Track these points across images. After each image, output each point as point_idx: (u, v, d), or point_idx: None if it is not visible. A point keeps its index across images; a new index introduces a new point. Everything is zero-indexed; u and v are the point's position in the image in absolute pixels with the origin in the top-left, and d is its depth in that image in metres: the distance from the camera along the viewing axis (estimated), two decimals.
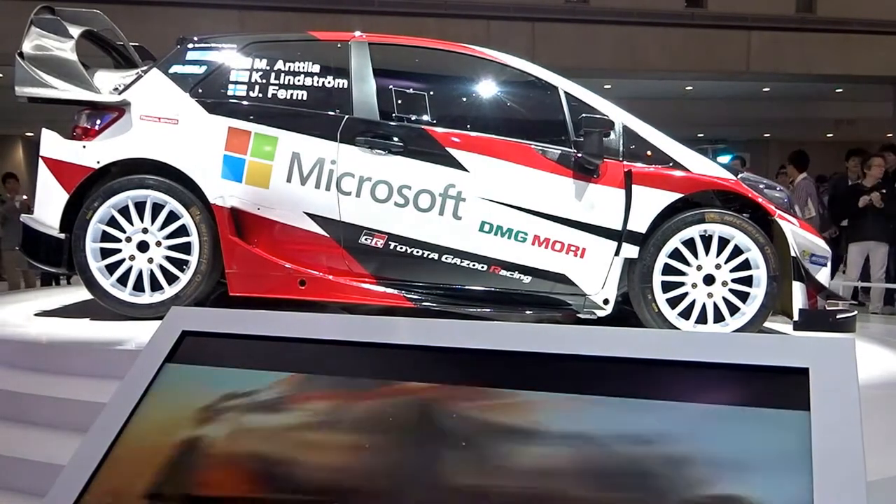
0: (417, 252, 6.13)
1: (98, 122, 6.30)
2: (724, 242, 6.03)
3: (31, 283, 14.55)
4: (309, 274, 6.17)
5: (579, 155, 6.09)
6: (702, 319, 6.06)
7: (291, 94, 6.33)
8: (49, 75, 6.23)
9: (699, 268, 6.05)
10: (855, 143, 13.65)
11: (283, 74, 6.38)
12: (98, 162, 6.23)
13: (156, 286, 6.20)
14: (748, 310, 6.05)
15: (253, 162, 6.18)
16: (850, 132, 25.49)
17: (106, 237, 6.19)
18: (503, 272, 6.14)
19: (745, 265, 6.04)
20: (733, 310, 6.07)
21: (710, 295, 6.06)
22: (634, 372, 1.61)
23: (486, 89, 6.59)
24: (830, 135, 28.10)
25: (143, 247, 6.18)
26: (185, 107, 6.30)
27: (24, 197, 15.18)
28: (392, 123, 6.25)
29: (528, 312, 6.23)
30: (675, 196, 6.07)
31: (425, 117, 6.33)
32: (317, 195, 6.13)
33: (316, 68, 6.39)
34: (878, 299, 12.55)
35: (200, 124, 6.25)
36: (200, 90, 6.36)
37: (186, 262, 6.17)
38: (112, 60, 7.44)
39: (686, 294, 6.08)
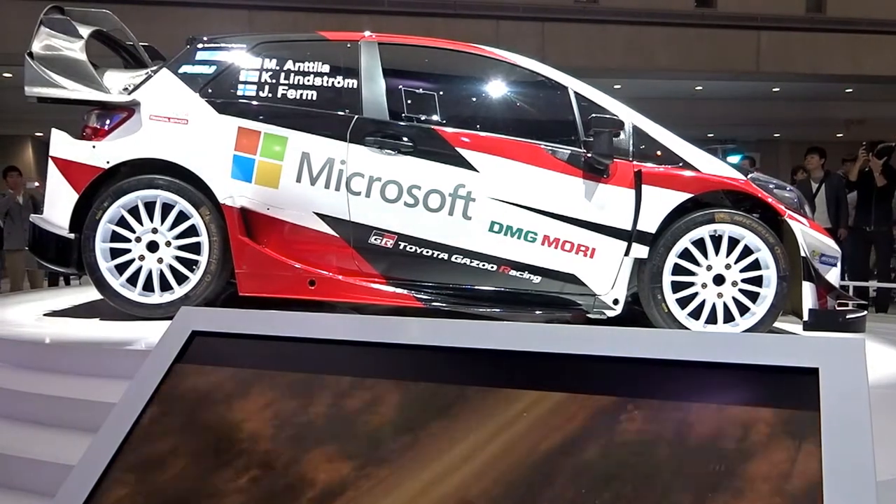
0: (427, 252, 6.13)
1: (108, 122, 6.31)
2: (733, 242, 6.02)
3: (38, 284, 14.40)
4: (318, 274, 6.17)
5: (589, 155, 6.08)
6: (712, 319, 6.06)
7: (301, 94, 6.34)
8: (59, 75, 6.24)
9: (709, 268, 6.05)
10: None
11: (292, 74, 6.38)
12: (108, 162, 6.24)
13: (165, 286, 6.21)
14: (758, 310, 6.04)
15: (263, 162, 6.19)
16: (861, 132, 25.40)
17: (116, 237, 6.20)
18: (513, 272, 6.14)
19: (755, 265, 6.03)
20: (743, 310, 6.06)
21: (719, 295, 6.05)
22: (644, 372, 1.61)
23: (496, 89, 6.59)
24: (841, 135, 28.05)
25: (152, 247, 6.19)
26: (195, 107, 6.31)
27: (37, 184, 14.68)
28: (402, 123, 6.25)
29: (537, 312, 6.23)
30: (685, 196, 6.06)
31: (435, 117, 6.33)
32: (326, 195, 6.14)
33: (325, 68, 6.39)
34: None
35: (210, 124, 6.26)
36: (210, 90, 6.37)
37: (196, 263, 6.18)
38: (121, 60, 7.46)
39: (696, 294, 6.07)
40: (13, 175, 14.46)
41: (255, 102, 6.34)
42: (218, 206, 6.16)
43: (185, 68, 6.49)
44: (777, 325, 6.39)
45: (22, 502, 4.20)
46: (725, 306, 6.06)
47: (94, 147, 6.27)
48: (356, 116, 6.24)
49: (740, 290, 6.06)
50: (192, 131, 6.26)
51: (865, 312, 6.39)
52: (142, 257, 6.18)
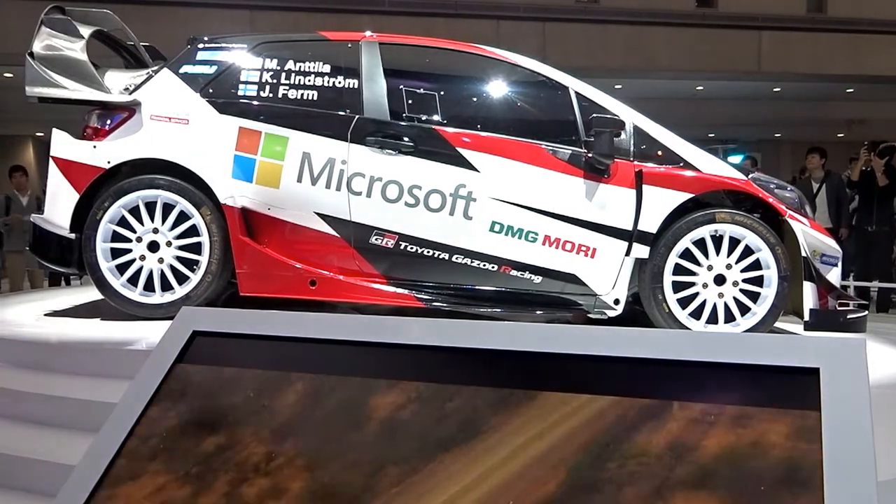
0: (428, 252, 6.13)
1: (108, 122, 6.31)
2: (734, 242, 6.02)
3: (38, 284, 14.28)
4: (319, 274, 6.17)
5: (590, 155, 6.08)
6: (712, 319, 6.05)
7: (302, 94, 6.34)
8: (59, 75, 6.24)
9: (710, 268, 6.04)
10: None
11: (293, 74, 6.38)
12: (108, 162, 6.24)
13: (166, 286, 6.21)
14: (759, 310, 6.04)
15: (263, 162, 6.19)
16: (862, 132, 25.40)
17: (116, 237, 6.20)
18: (514, 272, 6.14)
19: (756, 265, 6.03)
20: (744, 310, 6.06)
21: (720, 295, 6.05)
22: (645, 372, 1.61)
23: (497, 89, 6.58)
24: (842, 135, 28.05)
25: (153, 247, 6.19)
26: (196, 107, 6.31)
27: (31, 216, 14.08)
28: (402, 123, 6.25)
29: (538, 312, 6.23)
30: (686, 196, 6.06)
31: (436, 117, 6.33)
32: (327, 195, 6.14)
33: (326, 68, 6.39)
34: None
35: (211, 124, 6.26)
36: (211, 90, 6.37)
37: (197, 263, 6.18)
38: (122, 60, 7.46)
39: (697, 294, 6.07)
40: (18, 175, 14.22)
41: (255, 102, 6.34)
42: (219, 206, 6.16)
43: (186, 68, 6.49)
44: (778, 325, 6.39)
45: (22, 502, 4.20)
46: (726, 306, 6.06)
47: (94, 147, 6.27)
48: (357, 116, 6.24)
49: (741, 290, 6.06)
50: (193, 131, 6.26)
51: (866, 312, 6.39)
52: (143, 257, 6.18)
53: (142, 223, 6.18)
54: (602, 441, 1.53)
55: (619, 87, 20.67)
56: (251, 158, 6.19)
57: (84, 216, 6.20)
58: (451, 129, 6.22)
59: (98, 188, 6.27)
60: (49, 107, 6.60)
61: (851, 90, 23.31)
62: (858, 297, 9.02)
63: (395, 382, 1.78)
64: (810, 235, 6.16)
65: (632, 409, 1.57)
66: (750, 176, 6.39)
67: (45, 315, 6.87)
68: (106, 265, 6.16)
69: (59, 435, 4.64)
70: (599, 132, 6.03)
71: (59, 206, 6.29)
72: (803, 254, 6.08)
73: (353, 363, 1.86)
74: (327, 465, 1.67)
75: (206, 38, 6.66)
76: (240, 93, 6.39)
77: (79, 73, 6.29)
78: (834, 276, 6.27)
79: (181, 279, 6.21)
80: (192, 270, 6.19)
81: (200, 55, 6.55)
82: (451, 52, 6.64)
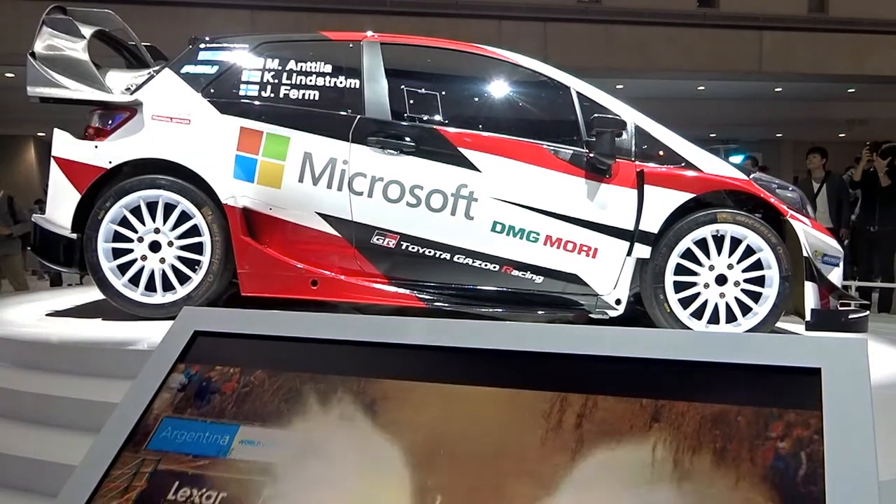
0: (429, 252, 6.12)
1: (110, 122, 6.31)
2: (736, 242, 6.02)
3: (22, 287, 13.75)
4: (321, 274, 6.17)
5: (591, 155, 6.08)
6: (714, 319, 6.05)
7: (303, 94, 6.34)
8: (61, 75, 6.24)
9: (711, 268, 6.04)
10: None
11: (294, 74, 6.38)
12: (110, 162, 6.24)
13: (168, 286, 6.21)
14: (760, 310, 6.03)
15: (265, 162, 6.19)
16: (863, 132, 25.40)
17: (118, 237, 6.20)
18: (515, 272, 6.14)
19: (758, 265, 6.03)
20: (745, 310, 6.05)
21: (722, 295, 6.04)
22: (646, 372, 1.61)
23: (498, 89, 6.58)
24: (843, 135, 28.02)
25: (155, 247, 6.19)
26: (197, 107, 6.31)
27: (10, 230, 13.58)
28: (404, 123, 6.25)
29: (540, 313, 6.23)
30: (688, 196, 6.06)
31: (437, 117, 6.32)
32: (329, 195, 6.14)
33: (328, 68, 6.39)
34: None
35: (212, 124, 6.26)
36: (212, 90, 6.37)
37: (198, 263, 6.18)
38: (124, 60, 7.45)
39: (698, 294, 6.07)
40: None
41: (257, 102, 6.34)
42: (220, 206, 6.16)
43: (187, 68, 6.49)
44: (779, 325, 6.39)
45: (22, 502, 4.20)
46: (728, 306, 6.05)
47: (96, 147, 6.27)
48: (358, 116, 6.24)
49: (742, 290, 6.05)
50: (195, 131, 6.26)
51: (868, 312, 6.40)
52: (144, 257, 6.18)
53: (143, 223, 6.18)
54: (603, 441, 1.53)
55: (621, 87, 20.65)
56: (252, 158, 6.19)
57: (85, 216, 6.20)
58: (452, 129, 6.22)
59: (99, 188, 6.27)
60: (50, 107, 6.59)
61: (853, 90, 23.27)
62: (860, 297, 9.02)
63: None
64: (812, 235, 6.16)
65: (633, 408, 1.56)
66: (751, 176, 6.39)
67: (46, 315, 6.87)
68: (107, 265, 6.16)
69: (59, 435, 4.64)
70: (601, 132, 6.03)
71: (60, 207, 6.29)
72: (805, 254, 6.07)
73: (355, 363, 1.86)
74: None
75: (207, 38, 6.66)
76: (241, 93, 6.39)
77: (80, 73, 6.29)
78: (835, 276, 6.27)
79: (183, 279, 6.20)
80: (194, 270, 6.19)
81: (202, 55, 6.55)
82: (453, 52, 6.64)
